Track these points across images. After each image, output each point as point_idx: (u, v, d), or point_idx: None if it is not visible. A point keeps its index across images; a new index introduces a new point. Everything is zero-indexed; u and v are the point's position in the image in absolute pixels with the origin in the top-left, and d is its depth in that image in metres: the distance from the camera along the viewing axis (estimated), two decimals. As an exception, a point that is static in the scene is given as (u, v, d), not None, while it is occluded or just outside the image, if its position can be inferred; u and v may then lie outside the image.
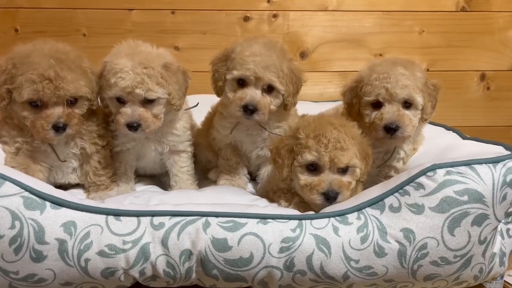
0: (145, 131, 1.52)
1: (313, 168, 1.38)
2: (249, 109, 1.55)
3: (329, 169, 1.36)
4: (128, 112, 1.50)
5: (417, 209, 1.21)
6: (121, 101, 1.52)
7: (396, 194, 1.25)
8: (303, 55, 2.52)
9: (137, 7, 2.40)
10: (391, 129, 1.53)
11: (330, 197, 1.35)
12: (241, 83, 1.58)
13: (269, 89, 1.58)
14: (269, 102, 1.59)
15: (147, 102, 1.52)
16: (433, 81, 1.62)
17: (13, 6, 2.35)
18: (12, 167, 1.41)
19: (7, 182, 1.16)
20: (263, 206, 1.42)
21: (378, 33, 2.51)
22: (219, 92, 1.65)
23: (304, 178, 1.39)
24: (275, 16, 2.47)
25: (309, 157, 1.36)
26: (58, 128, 1.43)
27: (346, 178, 1.38)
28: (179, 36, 2.44)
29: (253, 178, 1.87)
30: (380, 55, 2.51)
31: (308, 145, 1.36)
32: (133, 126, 1.50)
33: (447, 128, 1.86)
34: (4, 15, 2.35)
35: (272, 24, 2.47)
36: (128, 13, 2.40)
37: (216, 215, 1.22)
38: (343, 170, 1.38)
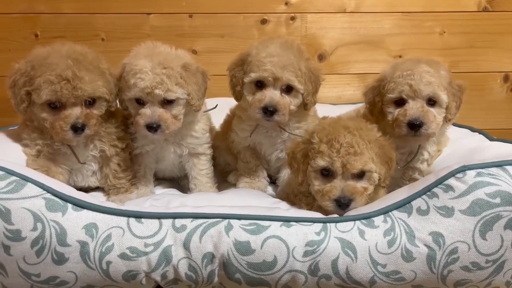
0: (164, 132, 1.51)
1: (327, 173, 1.35)
2: (269, 110, 1.53)
3: (342, 174, 1.33)
4: (148, 113, 1.49)
5: (447, 212, 1.17)
6: (140, 103, 1.51)
7: (424, 196, 1.21)
8: (321, 57, 2.49)
9: (155, 11, 2.41)
10: (415, 126, 1.49)
11: (342, 203, 1.31)
12: (259, 85, 1.57)
13: (288, 89, 1.57)
14: (289, 102, 1.57)
15: (167, 103, 1.51)
16: (458, 82, 1.59)
17: (34, 12, 2.38)
18: (34, 169, 1.41)
19: (29, 184, 1.16)
20: (286, 209, 1.39)
21: (397, 35, 2.48)
22: (238, 97, 1.64)
23: (318, 183, 1.36)
24: (293, 18, 2.45)
25: (321, 162, 1.33)
26: (77, 128, 1.43)
27: (361, 184, 1.34)
28: (196, 39, 2.44)
29: (272, 181, 1.85)
30: (400, 56, 2.47)
31: (321, 150, 1.33)
32: (152, 127, 1.49)
33: (473, 129, 1.81)
34: (25, 21, 2.38)
35: (290, 27, 2.46)
36: (146, 17, 2.41)
37: (239, 217, 1.19)
38: (359, 175, 1.34)
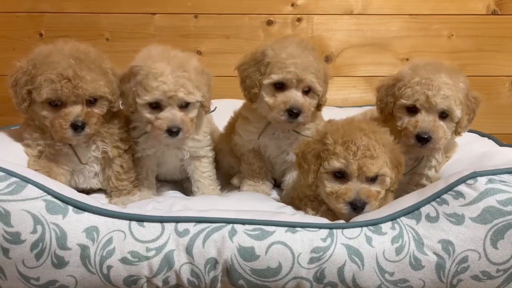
0: (184, 135, 1.50)
1: (340, 175, 1.32)
2: (294, 113, 1.51)
3: (357, 177, 1.30)
4: (170, 116, 1.47)
5: (457, 219, 1.14)
6: (155, 107, 1.48)
7: (433, 203, 1.18)
8: (327, 59, 2.46)
9: (160, 11, 2.39)
10: (423, 139, 1.46)
11: (357, 207, 1.28)
12: (279, 86, 1.54)
13: (307, 90, 1.56)
14: (310, 103, 1.56)
15: (183, 106, 1.50)
16: (474, 94, 1.55)
17: (38, 11, 2.36)
18: (35, 170, 1.39)
19: (29, 185, 1.13)
20: (291, 213, 1.36)
21: (405, 37, 2.44)
22: (253, 98, 1.59)
23: (331, 185, 1.32)
24: (299, 20, 2.42)
25: (336, 164, 1.30)
26: (77, 127, 1.41)
27: (374, 188, 1.32)
28: (201, 40, 2.41)
29: (277, 184, 1.82)
30: (407, 59, 2.43)
31: (336, 152, 1.30)
32: (174, 131, 1.47)
33: (482, 134, 1.78)
34: (29, 20, 2.37)
35: (296, 28, 2.43)
36: (151, 17, 2.39)
37: (243, 222, 1.17)
38: (372, 179, 1.31)
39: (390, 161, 1.33)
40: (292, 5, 2.40)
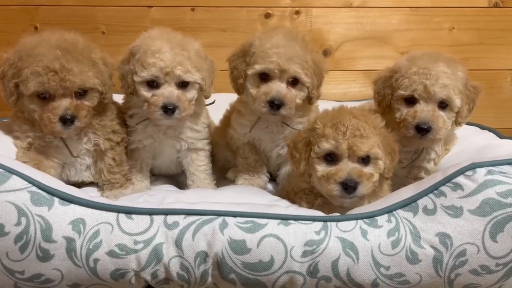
0: (181, 114, 1.47)
1: (331, 158, 1.29)
2: (276, 104, 1.47)
3: (348, 158, 1.27)
4: (165, 93, 1.45)
5: (455, 211, 1.11)
6: (152, 86, 1.47)
7: (430, 195, 1.15)
8: (326, 53, 2.42)
9: (156, 4, 2.36)
10: (423, 130, 1.43)
11: (349, 186, 1.24)
12: (264, 77, 1.51)
13: (294, 82, 1.51)
14: (295, 95, 1.51)
15: (182, 86, 1.48)
16: (474, 83, 1.52)
17: (33, 4, 2.33)
18: (24, 162, 1.36)
19: (14, 176, 1.10)
20: (285, 206, 1.33)
21: (405, 30, 2.40)
22: (239, 90, 1.58)
23: (322, 169, 1.29)
24: (297, 12, 2.38)
25: (326, 145, 1.27)
26: (66, 120, 1.37)
27: (367, 170, 1.29)
28: (198, 33, 2.36)
29: (272, 178, 1.78)
30: (407, 53, 2.38)
31: (325, 134, 1.28)
32: (169, 109, 1.44)
33: (482, 127, 1.75)
34: (24, 13, 2.34)
35: (294, 21, 2.39)
36: (147, 10, 2.36)
37: (234, 214, 1.14)
38: (364, 161, 1.29)
39: (382, 146, 1.30)
40: (291, -3, 2.37)
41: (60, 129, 1.38)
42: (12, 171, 1.11)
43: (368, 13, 2.39)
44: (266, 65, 1.47)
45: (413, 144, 1.55)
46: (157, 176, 1.79)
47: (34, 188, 1.11)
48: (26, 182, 1.11)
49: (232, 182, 1.77)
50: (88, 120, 1.44)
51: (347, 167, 1.26)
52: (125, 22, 2.36)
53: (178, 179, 1.82)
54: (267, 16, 2.38)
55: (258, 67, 1.49)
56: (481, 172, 1.12)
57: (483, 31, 2.39)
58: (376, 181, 1.29)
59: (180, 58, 1.44)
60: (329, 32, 2.41)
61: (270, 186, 1.75)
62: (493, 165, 1.13)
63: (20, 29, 2.34)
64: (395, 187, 1.44)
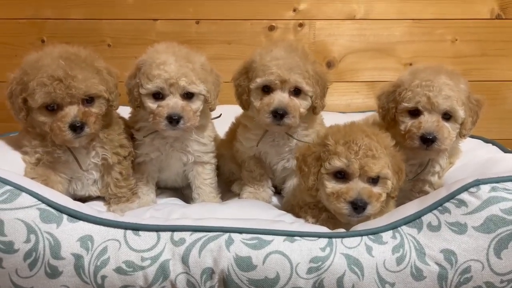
0: (185, 125, 1.49)
1: (341, 176, 1.30)
2: (279, 114, 1.48)
3: (358, 177, 1.28)
4: (170, 104, 1.47)
5: (459, 228, 1.11)
6: (158, 97, 1.49)
7: (435, 211, 1.16)
8: (329, 64, 2.44)
9: (161, 17, 2.39)
10: (428, 140, 1.44)
11: (358, 206, 1.25)
12: (266, 90, 1.53)
13: (296, 91, 1.53)
14: (298, 105, 1.53)
15: (187, 97, 1.51)
16: (477, 96, 1.54)
17: (40, 17, 2.37)
18: (32, 178, 1.38)
19: (23, 194, 1.12)
20: (290, 222, 1.34)
21: (408, 42, 2.42)
22: (245, 106, 1.61)
23: (331, 186, 1.30)
24: (301, 25, 2.41)
25: (337, 163, 1.28)
26: (76, 127, 1.39)
27: (376, 190, 1.29)
28: (203, 46, 2.39)
29: (278, 191, 1.79)
30: (410, 64, 2.41)
31: (337, 151, 1.29)
32: (174, 119, 1.46)
33: (486, 140, 1.75)
34: (31, 26, 2.37)
35: (298, 33, 2.41)
36: (153, 23, 2.39)
37: (240, 231, 1.14)
38: (374, 181, 1.29)
39: (391, 165, 1.31)
40: (294, 10, 2.39)
41: (70, 137, 1.40)
42: (21, 189, 1.13)
43: (371, 25, 2.41)
44: (267, 77, 1.49)
45: (419, 156, 1.56)
46: (163, 190, 1.80)
47: (43, 205, 1.13)
48: (35, 200, 1.13)
49: (237, 195, 1.78)
50: (98, 126, 1.45)
51: (357, 187, 1.27)
52: (131, 35, 2.39)
53: (183, 192, 1.83)
54: (271, 28, 2.41)
55: (259, 80, 1.51)
56: (485, 188, 1.12)
57: (485, 43, 2.41)
58: (384, 201, 1.30)
59: (185, 69, 1.47)
60: (333, 44, 2.43)
61: (275, 199, 1.76)
62: (497, 182, 1.13)
63: (28, 42, 2.38)
64: (399, 200, 1.45)
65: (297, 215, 1.46)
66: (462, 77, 1.55)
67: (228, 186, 1.86)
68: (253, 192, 1.70)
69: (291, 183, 1.69)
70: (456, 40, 2.41)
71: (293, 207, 1.53)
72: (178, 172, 1.72)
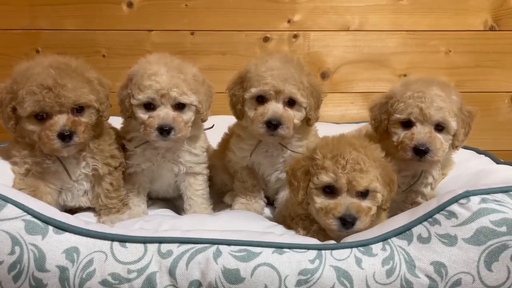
0: (176, 135, 1.48)
1: (330, 190, 1.29)
2: (273, 124, 1.48)
3: (347, 192, 1.27)
4: (161, 114, 1.47)
5: (449, 240, 1.10)
6: (149, 108, 1.49)
7: (425, 223, 1.14)
8: (324, 75, 2.45)
9: (156, 28, 2.40)
10: (421, 151, 1.44)
11: (347, 222, 1.24)
12: (261, 100, 1.53)
13: (291, 102, 1.53)
14: (293, 116, 1.53)
15: (178, 108, 1.50)
16: (469, 108, 1.54)
17: (35, 28, 2.38)
18: (20, 189, 1.37)
19: (8, 205, 1.11)
20: (279, 234, 1.32)
21: (402, 53, 2.43)
22: (239, 115, 1.60)
23: (320, 201, 1.29)
24: (295, 36, 2.42)
25: (325, 178, 1.27)
26: (64, 136, 1.38)
27: (365, 203, 1.28)
28: (198, 57, 2.40)
29: (270, 202, 1.78)
30: (404, 75, 2.41)
31: (325, 166, 1.28)
32: (165, 130, 1.46)
33: (479, 151, 1.75)
34: (26, 37, 2.38)
35: (293, 45, 2.42)
36: (148, 34, 2.40)
37: (228, 243, 1.13)
38: (363, 194, 1.28)
39: (381, 178, 1.30)
40: (289, 21, 2.40)
41: (59, 146, 1.39)
42: (7, 200, 1.11)
43: (365, 36, 2.43)
44: (261, 87, 1.49)
45: (412, 167, 1.55)
46: (154, 200, 1.79)
47: (29, 217, 1.11)
48: (20, 211, 1.11)
49: (229, 206, 1.76)
50: (87, 136, 1.44)
51: (345, 202, 1.25)
52: (126, 46, 2.40)
53: (175, 203, 1.82)
54: (266, 39, 2.42)
55: (254, 90, 1.51)
56: (475, 200, 1.11)
57: (479, 54, 2.42)
58: (374, 214, 1.29)
59: (176, 80, 1.47)
60: (327, 55, 2.44)
61: (267, 210, 1.75)
62: (487, 193, 1.12)
63: (22, 52, 2.38)
64: (392, 212, 1.44)
65: (289, 227, 1.45)
66: (454, 88, 1.55)
67: (220, 197, 1.85)
68: (245, 203, 1.69)
69: (284, 194, 1.68)
70: (450, 51, 2.43)
71: (284, 218, 1.52)
72: (170, 182, 1.71)
